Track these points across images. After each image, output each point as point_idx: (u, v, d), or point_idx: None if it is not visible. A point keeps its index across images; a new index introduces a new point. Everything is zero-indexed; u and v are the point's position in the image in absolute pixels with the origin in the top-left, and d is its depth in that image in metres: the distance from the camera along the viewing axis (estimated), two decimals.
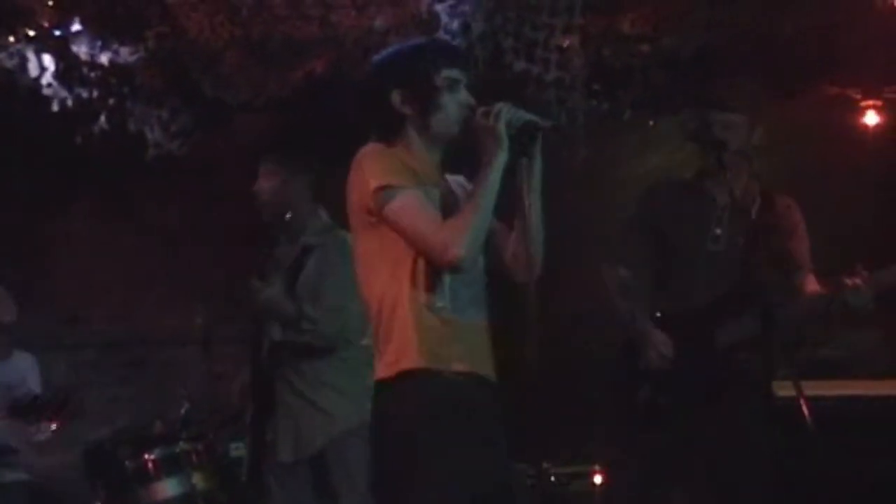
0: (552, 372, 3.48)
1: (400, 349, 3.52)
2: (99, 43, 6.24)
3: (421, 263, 3.51)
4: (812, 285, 4.82)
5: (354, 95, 3.80)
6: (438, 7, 5.82)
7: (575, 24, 5.77)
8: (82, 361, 7.55)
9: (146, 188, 7.42)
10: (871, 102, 7.06)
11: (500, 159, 3.51)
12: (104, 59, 6.30)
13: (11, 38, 6.18)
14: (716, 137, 4.73)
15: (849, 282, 4.55)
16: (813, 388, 4.83)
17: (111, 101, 6.57)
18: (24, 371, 6.16)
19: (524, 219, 3.55)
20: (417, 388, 3.49)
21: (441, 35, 5.83)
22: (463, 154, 3.67)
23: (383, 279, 3.56)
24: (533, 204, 3.59)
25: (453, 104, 3.61)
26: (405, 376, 3.50)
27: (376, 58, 3.75)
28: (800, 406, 4.57)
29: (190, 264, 7.44)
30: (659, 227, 4.90)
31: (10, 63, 6.24)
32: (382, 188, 3.47)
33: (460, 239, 3.45)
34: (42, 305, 6.85)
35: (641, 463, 4.81)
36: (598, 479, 5.99)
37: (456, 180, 3.80)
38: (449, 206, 3.58)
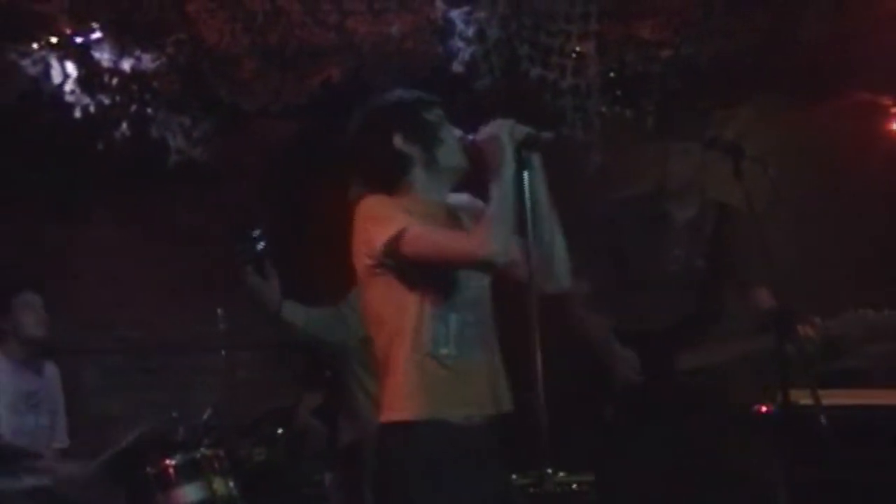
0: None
1: (400, 396, 3.59)
2: (120, 50, 6.26)
3: (427, 311, 3.57)
4: (767, 302, 4.81)
5: (351, 150, 3.76)
6: (454, 13, 5.81)
7: (591, 30, 5.75)
8: (107, 367, 7.58)
9: (169, 194, 7.43)
10: None
11: (508, 166, 3.53)
12: (125, 65, 6.33)
13: (35, 46, 6.20)
14: (730, 142, 4.71)
15: (801, 330, 4.53)
16: (832, 398, 4.82)
17: (133, 107, 6.60)
18: (50, 380, 6.19)
19: (539, 235, 3.58)
20: (415, 438, 3.54)
21: (456, 42, 5.83)
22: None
23: (388, 327, 3.62)
24: (543, 214, 3.62)
25: (451, 136, 3.67)
26: (405, 426, 3.56)
27: (361, 111, 3.76)
28: (819, 416, 4.55)
29: (213, 270, 7.45)
30: (618, 244, 4.88)
31: (34, 70, 6.26)
32: (390, 241, 3.51)
33: (488, 237, 3.48)
34: (66, 311, 6.86)
35: (617, 478, 4.82)
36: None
37: (460, 201, 3.81)
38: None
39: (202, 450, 5.51)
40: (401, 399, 3.59)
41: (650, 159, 5.07)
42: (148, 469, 5.49)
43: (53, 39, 6.18)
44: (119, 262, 7.64)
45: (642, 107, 6.25)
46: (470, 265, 3.56)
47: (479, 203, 3.70)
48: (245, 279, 5.05)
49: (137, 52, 6.24)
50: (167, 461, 5.43)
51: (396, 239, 3.51)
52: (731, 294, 4.96)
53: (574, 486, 5.97)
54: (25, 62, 6.21)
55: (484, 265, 3.55)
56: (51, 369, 6.15)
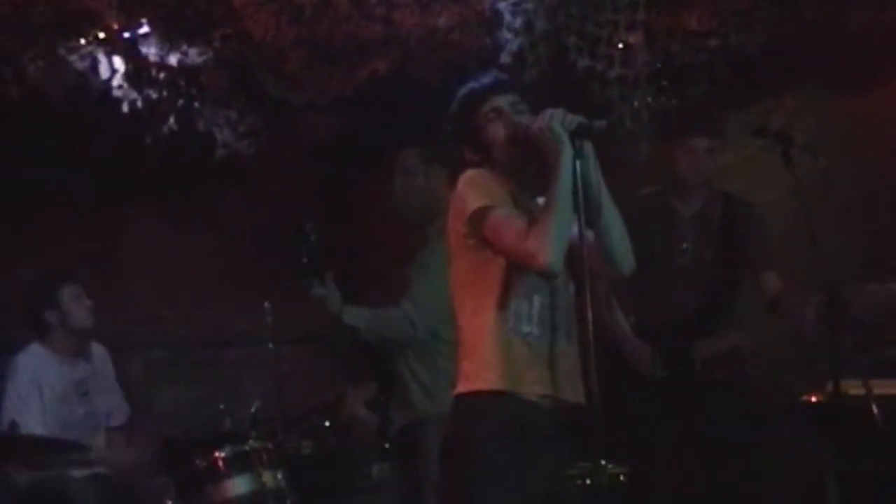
0: None
1: (479, 368, 3.66)
2: (167, 44, 6.29)
3: (512, 288, 3.65)
4: (775, 285, 4.82)
5: (448, 128, 3.92)
6: (501, 5, 5.80)
7: (638, 20, 5.73)
8: (154, 361, 7.63)
9: (215, 188, 7.47)
10: None
11: (565, 157, 3.57)
12: (173, 60, 6.35)
13: (83, 41, 6.23)
14: (779, 131, 4.72)
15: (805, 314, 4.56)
16: (883, 388, 4.79)
17: (180, 101, 6.63)
18: (98, 362, 6.21)
19: (599, 222, 3.63)
20: (489, 408, 3.61)
21: (503, 33, 5.83)
22: None
23: (475, 300, 3.71)
24: (599, 202, 3.65)
25: (499, 133, 3.74)
26: (480, 396, 3.64)
27: (463, 90, 3.87)
28: (869, 405, 4.53)
29: (259, 264, 7.49)
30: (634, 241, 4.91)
31: (82, 65, 6.30)
32: (477, 210, 3.62)
33: (544, 244, 3.54)
34: (114, 306, 6.90)
35: (646, 467, 4.84)
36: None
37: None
38: None
39: (251, 442, 5.53)
40: (480, 370, 3.66)
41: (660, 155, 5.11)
42: (197, 461, 5.52)
43: (101, 35, 6.20)
44: (166, 256, 7.68)
45: (689, 97, 6.23)
46: (528, 270, 3.62)
47: None
48: (307, 288, 5.07)
49: (184, 47, 6.27)
50: (217, 453, 5.45)
51: (481, 213, 3.62)
52: (744, 281, 4.99)
53: (622, 476, 5.96)
54: (73, 57, 6.24)
55: (540, 273, 3.61)
56: (98, 351, 6.16)
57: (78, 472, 5.93)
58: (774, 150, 4.72)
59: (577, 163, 3.57)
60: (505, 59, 5.87)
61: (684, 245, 4.95)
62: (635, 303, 4.98)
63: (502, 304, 3.65)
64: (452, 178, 4.42)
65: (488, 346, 3.65)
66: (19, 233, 7.32)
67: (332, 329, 5.17)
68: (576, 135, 3.57)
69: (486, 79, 3.86)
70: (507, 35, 5.84)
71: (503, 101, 3.78)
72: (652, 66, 5.92)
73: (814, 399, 5.39)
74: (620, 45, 5.75)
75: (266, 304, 5.95)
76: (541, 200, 3.77)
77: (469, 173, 3.74)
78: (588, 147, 3.60)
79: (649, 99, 5.98)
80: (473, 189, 3.68)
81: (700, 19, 6.03)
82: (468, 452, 3.62)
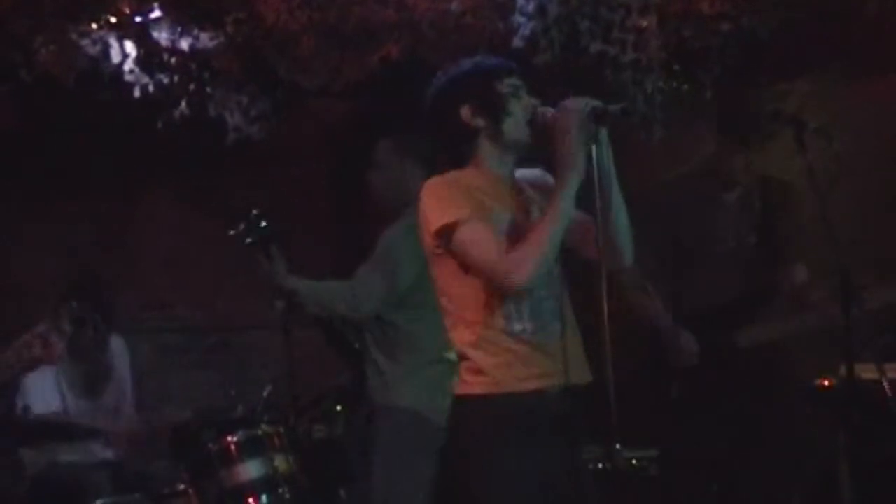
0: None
1: (474, 371, 3.66)
2: (179, 29, 6.29)
3: (498, 291, 3.61)
4: (801, 276, 4.81)
5: (423, 120, 3.82)
6: None
7: (651, 4, 5.72)
8: (166, 345, 7.64)
9: (227, 173, 7.47)
10: None
11: (574, 182, 3.54)
12: (184, 44, 6.35)
13: (94, 25, 6.23)
14: (793, 115, 4.70)
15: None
16: None
17: (192, 86, 6.62)
18: (115, 356, 6.24)
19: (605, 208, 3.59)
20: (488, 410, 3.62)
21: (516, 17, 5.81)
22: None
23: (460, 306, 3.69)
24: (609, 189, 3.63)
25: (520, 109, 3.68)
26: (476, 399, 3.64)
27: (437, 81, 3.80)
28: (882, 388, 4.53)
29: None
30: (670, 225, 4.89)
31: (93, 50, 6.30)
32: (443, 228, 3.59)
33: (523, 268, 3.54)
34: (126, 290, 6.93)
35: (681, 456, 4.82)
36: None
37: (532, 176, 3.83)
38: (519, 225, 3.66)
39: (263, 427, 5.54)
40: (476, 374, 3.66)
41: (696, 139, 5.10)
42: (209, 445, 5.53)
43: (113, 19, 6.20)
44: (177, 241, 7.69)
45: (702, 82, 6.22)
46: (497, 288, 3.60)
47: (549, 180, 3.72)
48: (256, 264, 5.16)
49: (196, 31, 6.26)
50: (229, 438, 5.46)
51: (448, 228, 3.59)
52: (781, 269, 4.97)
53: (633, 461, 5.96)
54: (85, 42, 6.23)
55: (509, 293, 3.60)
56: (116, 343, 6.21)
57: (90, 458, 5.96)
58: (787, 134, 4.71)
59: (593, 148, 3.55)
60: (517, 43, 5.85)
61: (726, 231, 4.92)
62: (674, 289, 4.94)
63: (489, 308, 3.63)
64: (429, 168, 4.45)
65: (480, 352, 3.65)
66: (31, 218, 7.34)
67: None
68: (591, 119, 3.54)
69: (498, 59, 3.82)
70: (520, 19, 5.82)
71: (520, 81, 3.74)
72: (664, 50, 5.90)
73: (826, 383, 5.39)
74: (633, 30, 5.73)
75: None
76: (528, 176, 3.80)
77: (432, 183, 3.69)
78: (603, 133, 3.59)
79: (662, 83, 5.97)
80: (437, 202, 3.63)
81: (713, 3, 6.00)
82: (471, 455, 3.64)
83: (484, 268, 3.58)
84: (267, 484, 5.36)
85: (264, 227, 5.21)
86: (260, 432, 5.49)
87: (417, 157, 5.09)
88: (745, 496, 4.85)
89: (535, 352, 3.64)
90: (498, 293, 3.60)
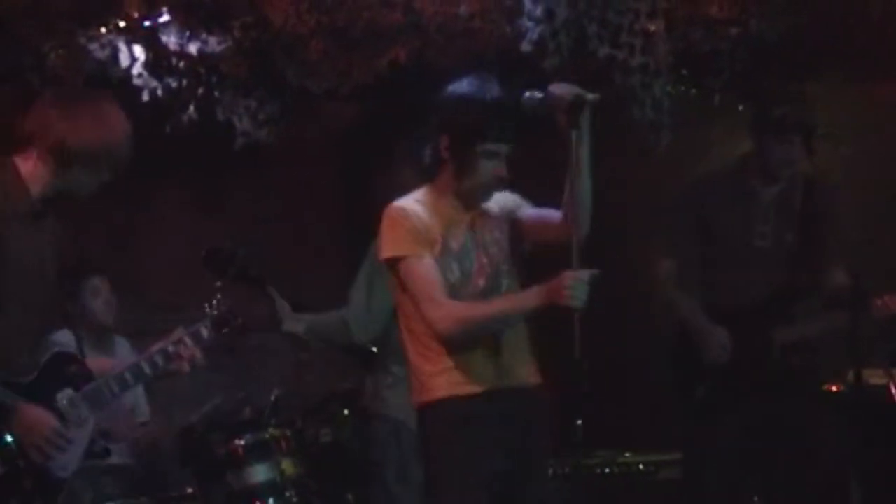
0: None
1: (421, 382, 4.02)
2: (187, 33, 6.29)
3: None
4: (839, 279, 4.78)
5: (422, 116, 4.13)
6: None
7: (660, 8, 5.72)
8: None
9: (235, 177, 7.47)
10: None
11: (539, 304, 3.81)
12: (193, 48, 6.35)
13: (103, 30, 6.24)
14: (803, 119, 4.69)
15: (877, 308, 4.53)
16: None
17: (200, 90, 6.63)
18: (123, 357, 6.25)
19: (575, 185, 3.79)
20: (437, 415, 3.98)
21: (524, 21, 5.81)
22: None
23: (409, 316, 4.03)
24: (583, 172, 3.82)
25: (487, 173, 3.96)
26: (427, 406, 4.01)
27: (448, 88, 4.05)
28: (891, 394, 4.52)
29: (278, 252, 7.48)
30: (705, 222, 4.88)
31: (102, 54, 6.30)
32: (391, 259, 3.97)
33: (452, 326, 3.89)
34: (134, 293, 6.92)
35: (706, 457, 4.78)
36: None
37: (505, 200, 4.14)
38: (467, 249, 4.01)
39: (270, 430, 5.54)
40: (424, 383, 4.01)
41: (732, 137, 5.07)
42: (217, 449, 5.54)
43: (121, 23, 6.21)
44: (186, 244, 7.68)
45: (710, 85, 6.22)
46: (424, 322, 3.93)
47: (524, 209, 4.10)
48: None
49: (204, 35, 6.26)
50: (236, 441, 5.46)
51: (394, 262, 3.96)
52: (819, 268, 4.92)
53: (641, 465, 5.96)
54: (94, 46, 6.24)
55: (430, 329, 3.93)
56: (122, 345, 6.22)
57: (98, 462, 5.96)
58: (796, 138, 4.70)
59: (573, 133, 3.72)
60: (526, 47, 5.86)
61: (763, 227, 4.89)
62: (711, 284, 4.90)
63: None
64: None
65: (422, 360, 4.00)
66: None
67: None
68: (573, 105, 3.73)
69: (498, 115, 3.96)
70: (528, 23, 5.82)
71: (502, 147, 3.96)
72: (672, 54, 5.90)
73: (835, 388, 5.38)
74: (642, 34, 5.73)
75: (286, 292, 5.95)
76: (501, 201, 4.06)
77: (391, 211, 4.00)
78: (584, 118, 3.76)
79: (670, 88, 5.97)
80: (392, 232, 3.97)
81: (721, 7, 6.01)
82: (428, 454, 4.03)
83: (419, 304, 3.92)
84: (274, 487, 5.37)
85: (242, 256, 5.38)
86: (267, 436, 5.50)
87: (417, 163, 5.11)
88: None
89: (477, 360, 3.94)
90: None
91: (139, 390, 6.22)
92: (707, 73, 6.31)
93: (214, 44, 6.29)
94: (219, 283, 5.29)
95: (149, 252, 7.69)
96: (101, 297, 6.12)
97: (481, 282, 4.02)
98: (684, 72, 6.26)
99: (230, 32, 6.23)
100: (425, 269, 3.91)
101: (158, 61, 6.43)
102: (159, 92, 6.50)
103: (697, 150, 5.96)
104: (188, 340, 4.77)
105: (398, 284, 4.03)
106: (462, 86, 3.99)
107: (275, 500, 5.30)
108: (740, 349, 4.76)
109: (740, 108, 6.58)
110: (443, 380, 3.96)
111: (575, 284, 3.65)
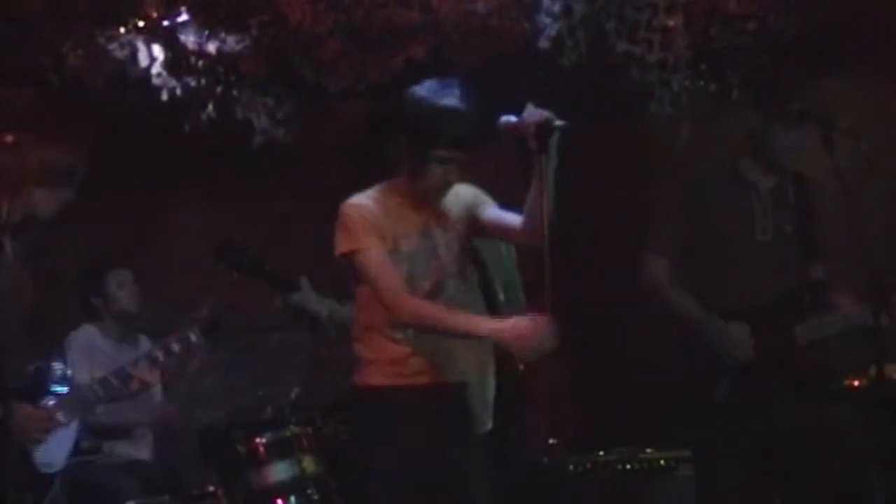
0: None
1: (365, 366, 4.21)
2: (206, 32, 6.31)
3: None
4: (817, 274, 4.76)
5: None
6: None
7: (678, 3, 5.71)
8: (193, 347, 7.63)
9: (253, 175, 7.48)
10: None
11: (483, 335, 4.05)
12: (211, 48, 6.37)
13: (122, 30, 6.26)
14: (823, 115, 4.65)
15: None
16: None
17: (218, 89, 6.65)
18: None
19: (537, 204, 3.89)
20: (374, 400, 4.18)
21: (542, 18, 5.81)
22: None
23: (361, 306, 4.23)
24: (548, 193, 3.89)
25: (437, 178, 4.09)
26: (366, 390, 4.21)
27: (412, 89, 4.15)
28: None
29: (299, 250, 7.49)
30: (703, 218, 4.82)
31: (121, 54, 6.33)
32: (346, 254, 4.12)
33: (408, 316, 4.07)
34: (154, 292, 6.93)
35: (724, 458, 4.72)
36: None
37: (465, 194, 4.27)
38: (418, 252, 4.15)
39: (291, 428, 5.55)
40: (365, 368, 4.21)
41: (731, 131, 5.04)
42: (238, 447, 5.55)
43: (140, 23, 6.23)
44: (205, 243, 7.68)
45: (728, 81, 6.20)
46: (383, 307, 4.10)
47: (485, 207, 4.25)
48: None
49: (222, 35, 6.28)
50: (257, 439, 5.47)
51: (350, 255, 4.10)
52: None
53: (661, 461, 5.96)
54: (113, 46, 6.27)
55: (387, 311, 4.10)
56: (145, 343, 6.24)
57: (118, 458, 5.98)
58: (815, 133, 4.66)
59: (542, 157, 3.85)
60: (543, 43, 5.85)
61: (763, 221, 4.85)
62: (711, 283, 4.85)
63: (381, 314, 4.13)
64: None
65: (369, 349, 4.20)
66: (58, 219, 7.34)
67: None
68: (542, 129, 3.85)
69: (458, 124, 4.04)
70: (546, 19, 5.82)
71: (456, 153, 4.05)
72: (691, 49, 5.88)
73: (856, 383, 5.35)
74: (660, 29, 5.71)
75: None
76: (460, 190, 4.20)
77: (346, 208, 4.17)
78: (552, 141, 3.87)
79: (688, 83, 5.96)
80: (347, 227, 4.12)
81: (739, 2, 5.99)
82: (359, 438, 4.29)
83: (380, 293, 4.08)
84: (295, 485, 5.37)
85: (252, 252, 5.47)
86: (288, 433, 5.50)
87: None
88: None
89: (415, 353, 4.13)
90: None
91: (155, 389, 6.23)
92: (725, 68, 6.29)
93: (233, 43, 6.31)
94: (235, 276, 5.42)
95: (167, 251, 7.71)
96: (127, 288, 6.18)
97: (427, 284, 4.16)
98: (702, 67, 6.23)
99: (248, 31, 6.24)
100: (384, 259, 4.08)
101: (177, 61, 6.45)
102: (178, 91, 6.52)
103: (716, 145, 5.93)
104: (175, 346, 5.02)
105: (355, 277, 4.18)
106: (422, 89, 4.10)
107: (296, 498, 5.31)
108: (760, 347, 4.71)
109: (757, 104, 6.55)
110: (380, 369, 4.17)
111: (536, 346, 3.83)
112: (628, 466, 5.90)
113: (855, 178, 4.51)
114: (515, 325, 3.89)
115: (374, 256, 4.07)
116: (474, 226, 4.26)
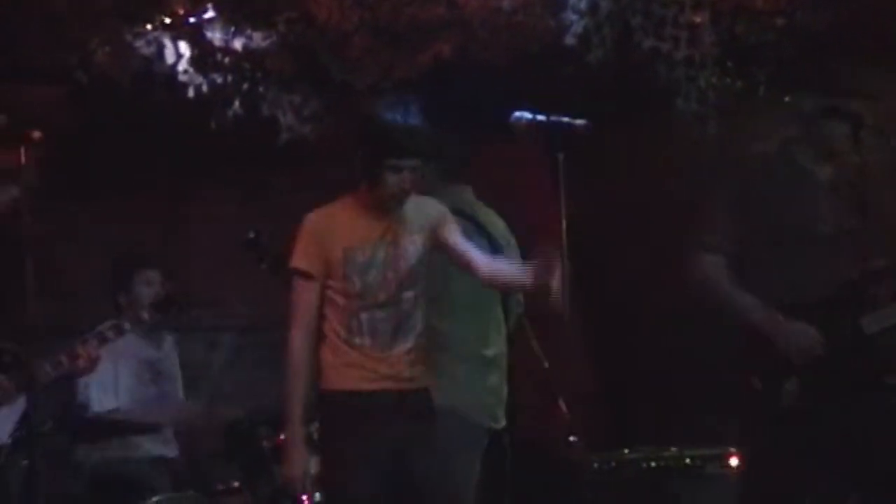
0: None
1: (324, 372, 4.43)
2: (232, 29, 6.33)
3: (343, 310, 4.38)
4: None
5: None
6: None
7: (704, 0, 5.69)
8: (220, 344, 7.67)
9: (280, 172, 7.49)
10: None
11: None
12: (237, 44, 6.39)
13: (148, 26, 6.28)
14: (852, 111, 4.56)
15: None
16: None
17: (245, 86, 6.66)
18: (168, 353, 6.31)
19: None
20: (332, 403, 4.43)
21: (568, 15, 5.79)
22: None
23: (324, 316, 4.40)
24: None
25: (392, 185, 4.32)
26: (325, 394, 4.45)
27: (367, 108, 4.68)
28: None
29: None
30: (760, 211, 4.61)
31: (148, 51, 6.35)
32: (291, 269, 4.42)
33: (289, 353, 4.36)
34: (181, 289, 6.95)
35: (786, 455, 4.54)
36: (734, 463, 5.87)
37: (429, 210, 4.48)
38: (373, 262, 4.35)
39: (316, 424, 5.55)
40: (326, 374, 4.42)
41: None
42: (263, 443, 5.57)
43: (167, 20, 6.25)
44: (231, 240, 7.70)
45: (756, 77, 6.15)
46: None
47: (449, 231, 4.46)
48: None
49: (249, 31, 6.30)
50: (282, 435, 5.47)
51: (291, 273, 4.41)
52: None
53: (687, 460, 5.93)
54: (140, 43, 6.29)
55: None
56: (169, 342, 6.28)
57: (145, 454, 6.00)
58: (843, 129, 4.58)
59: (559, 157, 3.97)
60: (569, 40, 5.85)
61: (824, 210, 4.69)
62: (773, 277, 4.70)
63: (338, 321, 4.37)
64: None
65: (329, 355, 4.40)
66: (87, 217, 7.38)
67: None
68: (554, 130, 4.06)
69: (405, 137, 4.37)
70: (572, 16, 5.82)
71: (407, 162, 4.31)
72: (717, 46, 5.85)
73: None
74: (686, 26, 5.69)
75: None
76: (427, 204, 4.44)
77: (305, 221, 4.48)
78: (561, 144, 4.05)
79: (715, 80, 5.93)
80: (300, 242, 4.42)
81: None
82: (323, 437, 4.51)
83: (290, 317, 4.38)
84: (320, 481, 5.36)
85: (264, 245, 5.62)
86: (312, 430, 5.50)
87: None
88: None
89: (371, 360, 4.35)
90: (344, 311, 4.36)
91: (177, 388, 6.27)
92: (753, 64, 6.24)
93: (259, 40, 6.33)
94: (263, 266, 5.58)
95: (195, 247, 7.72)
96: (153, 288, 6.19)
97: (382, 295, 4.37)
98: (729, 63, 6.19)
99: (274, 28, 6.26)
100: (306, 293, 4.37)
101: (203, 57, 6.47)
102: (204, 88, 6.54)
103: (745, 141, 5.87)
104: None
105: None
106: (376, 106, 4.60)
107: (321, 494, 5.31)
108: (828, 342, 4.51)
109: (786, 99, 6.51)
110: (338, 373, 4.38)
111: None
112: (653, 465, 5.88)
113: (881, 174, 4.46)
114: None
115: (301, 287, 4.39)
116: (435, 242, 4.47)
